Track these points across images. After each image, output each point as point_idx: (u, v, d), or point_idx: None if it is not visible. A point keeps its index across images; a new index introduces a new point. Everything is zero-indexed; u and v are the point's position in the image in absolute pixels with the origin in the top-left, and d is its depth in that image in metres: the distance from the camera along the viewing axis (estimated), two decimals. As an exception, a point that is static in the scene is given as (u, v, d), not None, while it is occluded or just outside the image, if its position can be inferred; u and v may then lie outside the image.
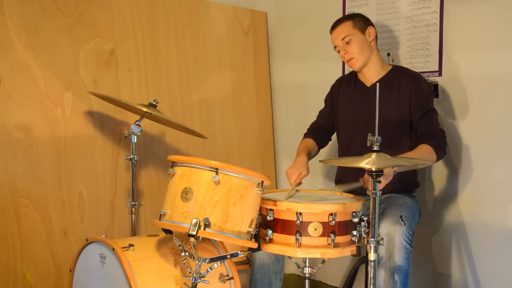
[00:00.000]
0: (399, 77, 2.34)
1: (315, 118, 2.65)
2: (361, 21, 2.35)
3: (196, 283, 1.69)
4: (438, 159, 2.18)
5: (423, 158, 2.08)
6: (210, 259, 1.73)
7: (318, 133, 2.57)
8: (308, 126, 2.62)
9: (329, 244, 1.79)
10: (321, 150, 2.58)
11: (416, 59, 2.58)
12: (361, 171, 2.03)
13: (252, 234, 1.75)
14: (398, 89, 2.31)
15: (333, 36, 2.38)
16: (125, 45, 2.61)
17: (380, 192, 1.72)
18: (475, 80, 2.38)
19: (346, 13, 2.85)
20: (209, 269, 1.74)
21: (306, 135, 2.58)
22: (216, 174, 1.67)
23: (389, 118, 2.30)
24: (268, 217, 1.84)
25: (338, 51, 2.37)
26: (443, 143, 2.20)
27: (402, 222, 2.01)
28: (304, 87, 3.13)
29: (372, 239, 1.72)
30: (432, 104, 2.30)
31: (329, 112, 2.57)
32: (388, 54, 2.68)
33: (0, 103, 2.22)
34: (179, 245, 1.76)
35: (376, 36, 2.38)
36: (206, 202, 1.67)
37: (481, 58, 2.36)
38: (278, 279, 2.22)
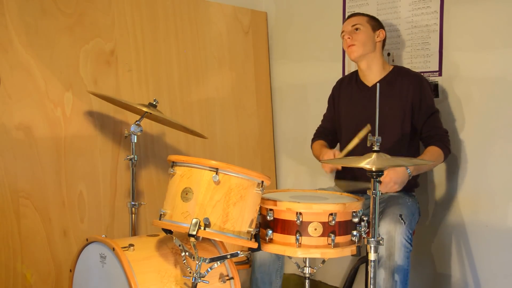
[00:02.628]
0: (401, 78, 2.34)
1: (315, 118, 2.65)
2: (376, 21, 2.42)
3: (196, 283, 1.69)
4: (445, 159, 2.28)
5: (436, 161, 2.20)
6: (210, 259, 1.73)
7: (326, 135, 2.58)
8: (314, 131, 2.62)
9: (329, 244, 1.79)
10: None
11: (416, 59, 2.58)
12: (361, 171, 2.03)
13: (252, 234, 1.75)
14: (399, 90, 2.32)
15: (345, 24, 2.42)
16: (125, 45, 2.60)
17: (380, 192, 1.73)
18: (475, 80, 2.38)
19: (347, 14, 2.86)
20: (209, 269, 1.74)
21: (314, 139, 2.59)
22: (216, 174, 1.67)
23: (390, 119, 2.30)
24: (268, 217, 1.84)
25: (343, 37, 2.40)
26: (447, 143, 2.30)
27: (402, 221, 2.02)
28: (304, 87, 3.13)
29: (372, 239, 1.72)
30: (434, 105, 2.34)
31: (333, 114, 2.57)
32: (388, 54, 2.68)
33: (0, 103, 2.22)
34: (179, 245, 1.76)
35: (384, 41, 2.42)
36: (206, 202, 1.67)
37: (481, 58, 2.36)
38: (279, 277, 2.22)
